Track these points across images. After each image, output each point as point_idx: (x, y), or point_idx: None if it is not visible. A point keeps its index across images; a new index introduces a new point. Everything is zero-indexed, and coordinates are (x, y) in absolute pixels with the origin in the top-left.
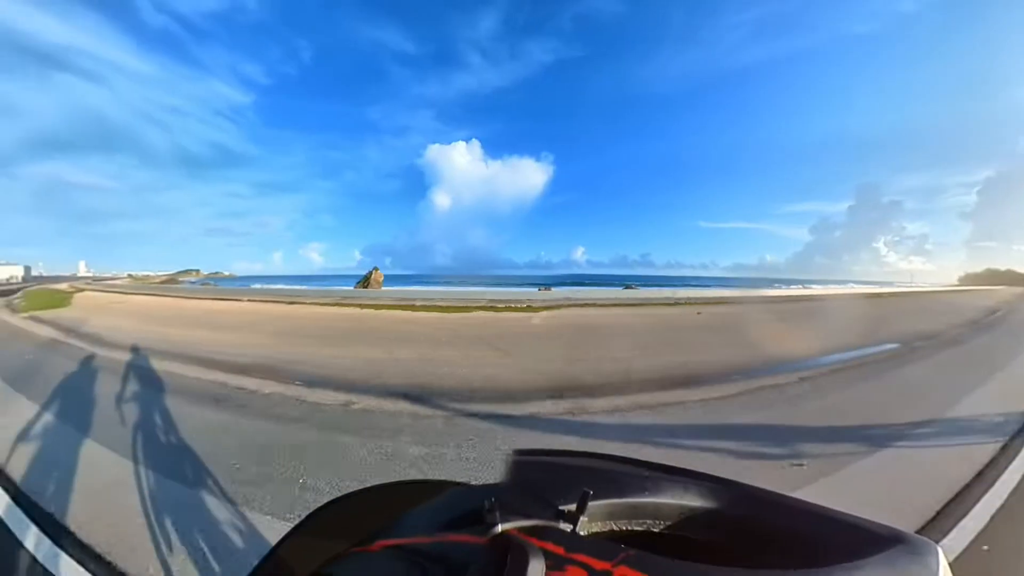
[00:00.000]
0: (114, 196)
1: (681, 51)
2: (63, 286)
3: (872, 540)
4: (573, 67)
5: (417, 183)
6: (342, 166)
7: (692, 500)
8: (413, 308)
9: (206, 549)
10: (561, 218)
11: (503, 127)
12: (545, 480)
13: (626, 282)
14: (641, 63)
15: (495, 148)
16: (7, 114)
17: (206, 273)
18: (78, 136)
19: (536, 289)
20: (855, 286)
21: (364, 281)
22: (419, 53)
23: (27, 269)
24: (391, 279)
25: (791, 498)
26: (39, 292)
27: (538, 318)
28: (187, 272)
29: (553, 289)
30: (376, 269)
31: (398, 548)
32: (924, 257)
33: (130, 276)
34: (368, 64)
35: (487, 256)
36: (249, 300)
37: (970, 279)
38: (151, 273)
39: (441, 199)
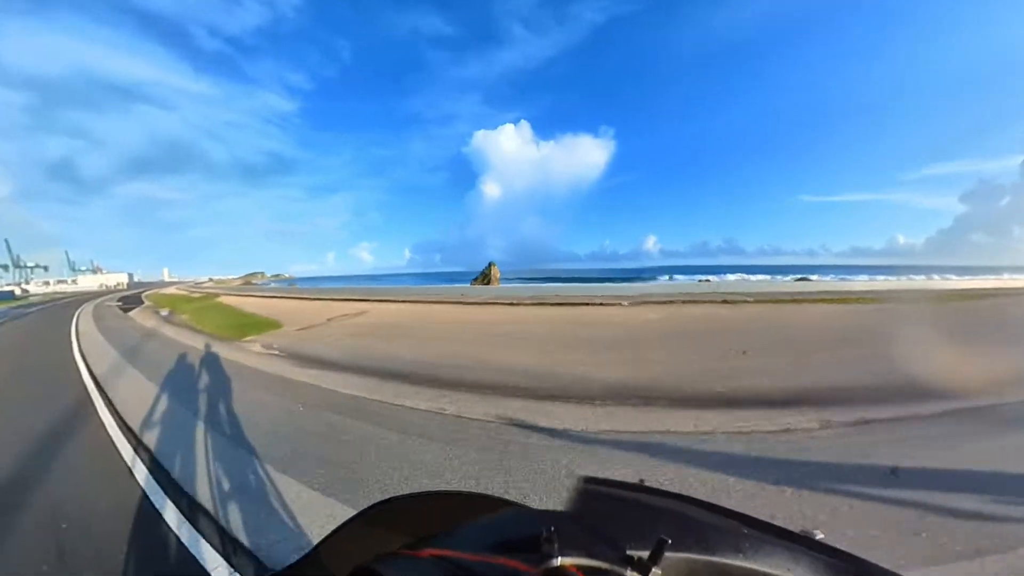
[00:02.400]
0: (185, 208)
1: (733, 37)
2: (172, 289)
3: None
4: (628, 24)
5: (465, 173)
6: (388, 162)
7: (802, 573)
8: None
9: None
10: (626, 202)
11: (554, 103)
12: (615, 516)
13: (708, 274)
14: (711, 6)
15: (546, 127)
16: (100, 144)
17: (269, 275)
18: (155, 156)
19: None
20: None
21: (482, 277)
22: (457, 34)
23: (130, 276)
24: (445, 276)
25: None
26: (171, 297)
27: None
28: (255, 275)
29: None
30: (493, 265)
31: (445, 560)
32: None
33: (211, 280)
34: (406, 53)
35: (543, 248)
36: (391, 301)
37: None
38: (226, 276)
39: (491, 188)
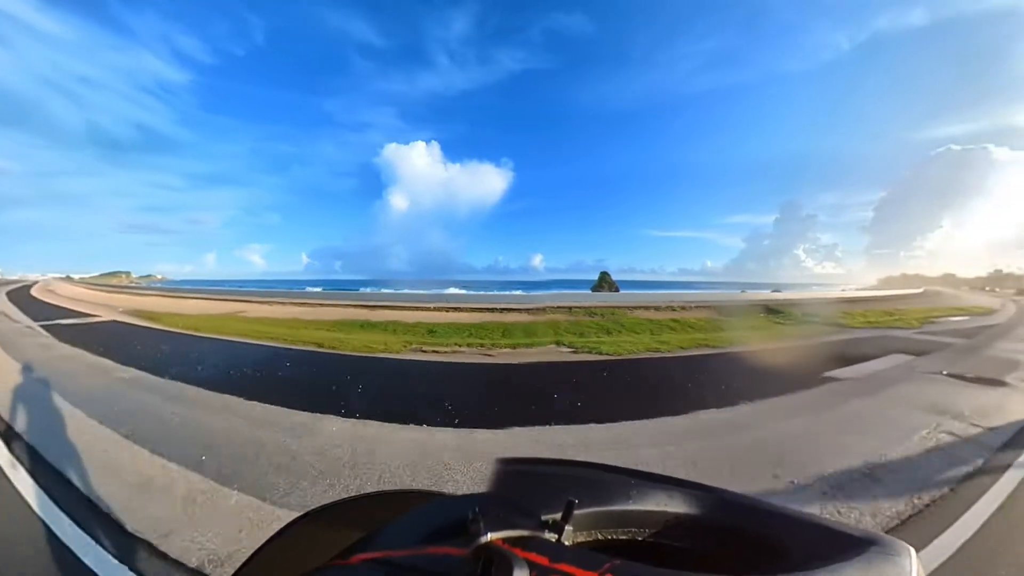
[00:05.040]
0: (11, 181)
1: (640, 73)
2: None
3: (849, 543)
4: (538, 78)
5: (373, 182)
6: (292, 160)
7: (677, 507)
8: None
9: None
10: (519, 224)
11: (465, 131)
12: (530, 489)
13: (586, 287)
14: (602, 81)
15: (455, 151)
16: None
17: (137, 276)
18: None
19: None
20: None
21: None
22: (385, 47)
23: None
24: (337, 283)
25: (772, 504)
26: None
27: None
28: (116, 275)
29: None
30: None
31: (377, 561)
32: (834, 262)
33: (69, 278)
34: (329, 52)
35: (445, 260)
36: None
37: (888, 283)
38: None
39: (398, 200)
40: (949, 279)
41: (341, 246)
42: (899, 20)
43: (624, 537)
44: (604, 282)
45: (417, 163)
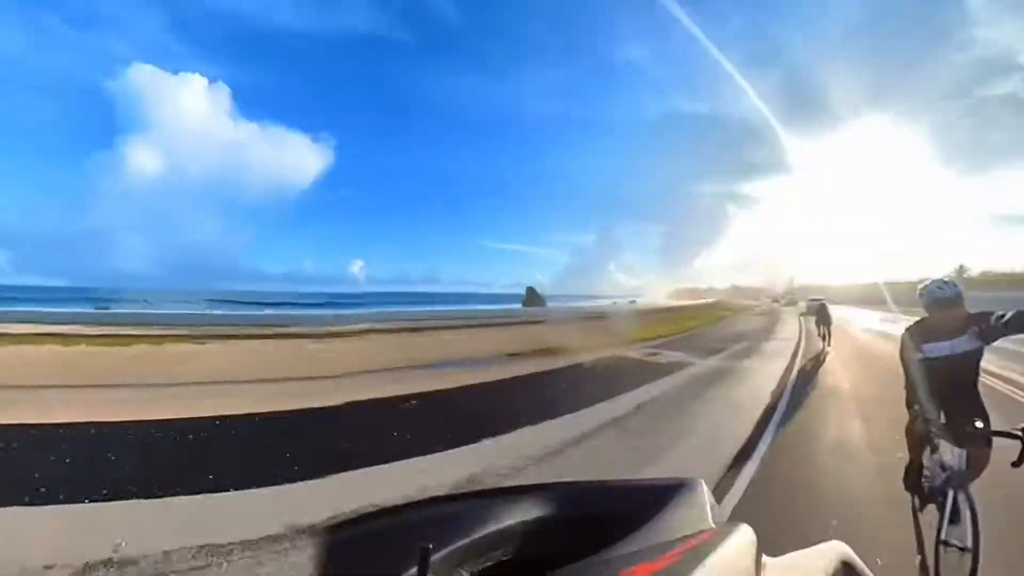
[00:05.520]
0: None
1: (495, 82)
2: None
3: (660, 493)
4: (385, 46)
5: (98, 119)
6: None
7: (524, 514)
8: None
9: None
10: (337, 221)
11: (273, 82)
12: (371, 553)
13: (414, 300)
14: (457, 73)
15: (253, 105)
16: None
17: None
18: None
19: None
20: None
21: None
22: None
23: None
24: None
25: (588, 482)
26: None
27: None
28: None
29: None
30: None
31: None
32: (637, 279)
33: None
34: None
35: (225, 262)
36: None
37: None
38: None
39: (143, 158)
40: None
41: (18, 226)
42: (676, 108)
43: (489, 563)
44: (534, 296)
45: (188, 105)
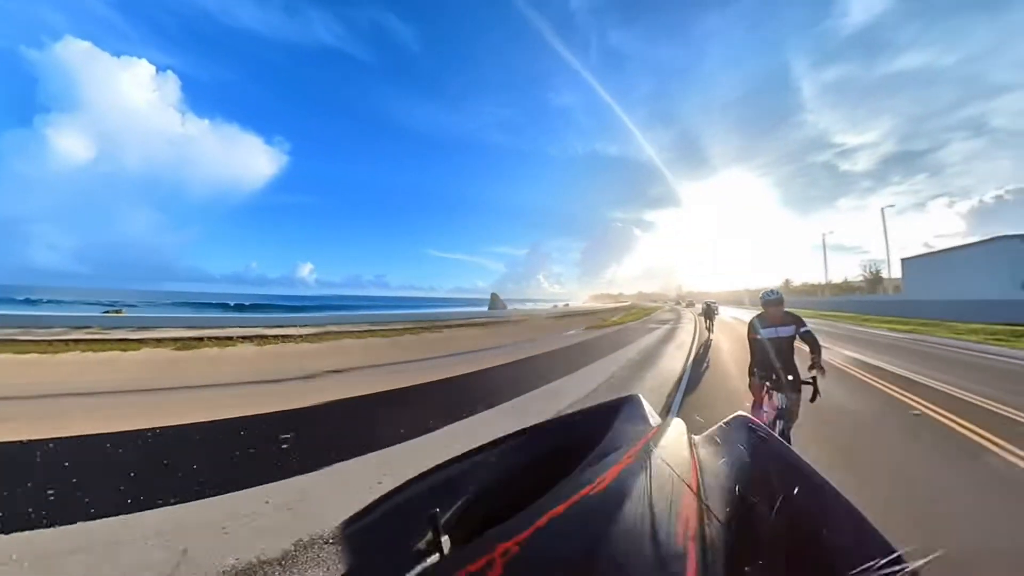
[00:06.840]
0: None
1: (450, 107)
2: None
3: (611, 410)
4: (345, 63)
5: (20, 94)
6: None
7: (511, 459)
8: None
9: None
10: (287, 224)
11: (229, 76)
12: (386, 532)
13: (360, 303)
14: (415, 94)
15: (206, 99)
16: None
17: None
18: None
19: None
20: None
21: None
22: None
23: None
24: None
25: (554, 418)
26: None
27: None
28: None
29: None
30: None
31: None
32: (560, 286)
33: None
34: None
35: (161, 260)
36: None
37: (597, 298)
38: None
39: (71, 141)
40: (638, 296)
41: None
42: (597, 150)
43: (492, 508)
44: (496, 301)
45: (128, 91)
